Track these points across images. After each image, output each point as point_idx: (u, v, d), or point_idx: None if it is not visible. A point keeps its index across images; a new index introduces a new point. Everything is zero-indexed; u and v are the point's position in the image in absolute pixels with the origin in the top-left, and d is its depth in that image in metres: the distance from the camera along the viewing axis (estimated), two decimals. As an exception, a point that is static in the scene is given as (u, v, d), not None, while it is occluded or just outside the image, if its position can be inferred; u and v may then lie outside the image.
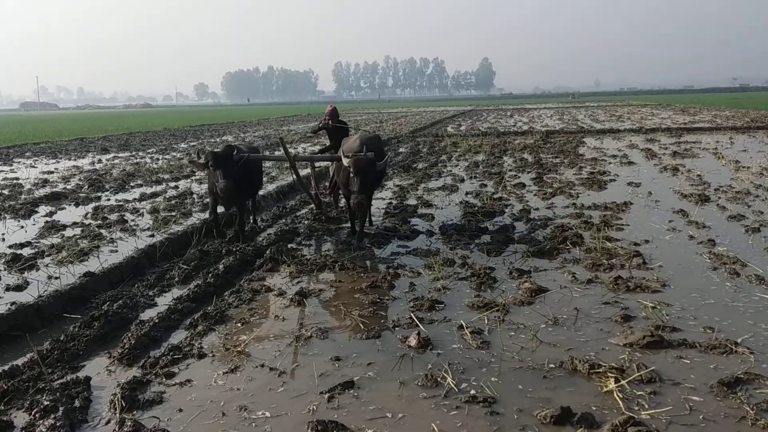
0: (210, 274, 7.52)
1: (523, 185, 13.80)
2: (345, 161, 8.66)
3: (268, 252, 8.35)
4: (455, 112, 59.14)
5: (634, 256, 7.69)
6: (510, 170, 16.41)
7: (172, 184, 15.37)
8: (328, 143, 12.11)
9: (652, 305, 6.05)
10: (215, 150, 8.83)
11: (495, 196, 12.40)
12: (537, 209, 11.07)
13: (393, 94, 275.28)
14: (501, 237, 8.97)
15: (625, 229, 9.35)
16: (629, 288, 6.63)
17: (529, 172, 15.82)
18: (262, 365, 5.14)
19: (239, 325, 6.09)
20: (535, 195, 12.60)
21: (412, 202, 12.18)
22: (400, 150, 23.50)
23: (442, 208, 11.53)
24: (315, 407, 4.41)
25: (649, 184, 13.39)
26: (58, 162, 22.17)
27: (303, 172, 11.54)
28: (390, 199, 12.56)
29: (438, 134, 29.95)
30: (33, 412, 4.35)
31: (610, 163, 17.28)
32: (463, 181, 14.87)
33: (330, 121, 11.56)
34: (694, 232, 8.96)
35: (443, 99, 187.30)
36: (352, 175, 8.33)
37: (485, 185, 14.06)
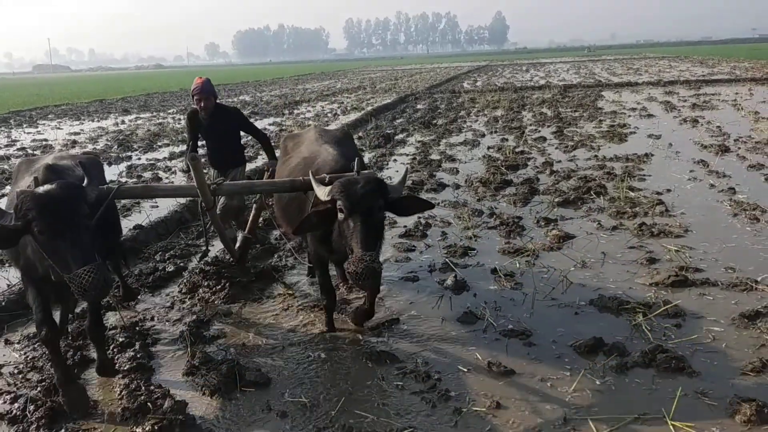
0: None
1: (544, 139, 14.00)
2: (320, 192, 4.35)
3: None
4: (470, 68, 58.71)
5: (656, 204, 7.98)
6: (530, 125, 16.57)
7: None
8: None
9: (676, 249, 6.37)
10: None
11: (517, 150, 12.63)
12: (559, 162, 11.31)
13: (405, 51, 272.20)
14: (526, 188, 9.25)
15: (647, 180, 9.60)
16: (653, 233, 6.94)
17: (549, 126, 15.98)
18: (313, 306, 5.54)
19: (283, 270, 6.48)
20: (556, 148, 12.82)
21: (435, 156, 12.44)
22: (419, 107, 23.65)
23: (465, 162, 11.79)
24: (367, 341, 4.81)
25: (669, 136, 13.54)
26: (83, 123, 22.58)
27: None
28: (414, 154, 12.84)
29: (455, 90, 29.95)
30: (111, 347, 4.78)
31: (629, 116, 17.38)
32: (483, 135, 15.08)
33: (202, 103, 6.75)
34: (715, 181, 9.20)
35: (456, 54, 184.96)
36: (344, 215, 4.12)
37: (506, 139, 14.27)
